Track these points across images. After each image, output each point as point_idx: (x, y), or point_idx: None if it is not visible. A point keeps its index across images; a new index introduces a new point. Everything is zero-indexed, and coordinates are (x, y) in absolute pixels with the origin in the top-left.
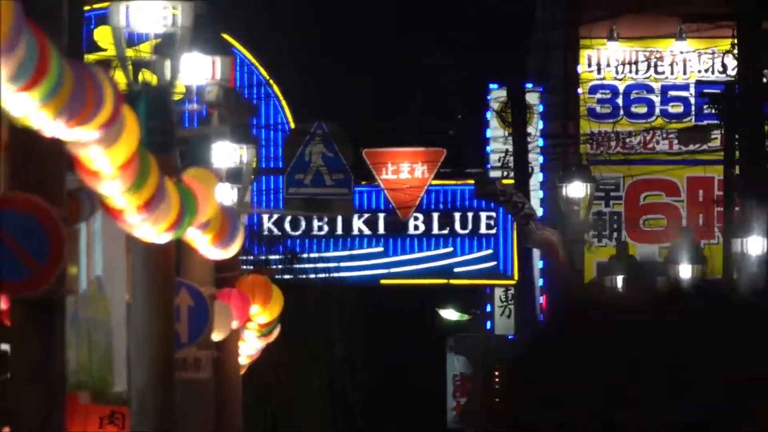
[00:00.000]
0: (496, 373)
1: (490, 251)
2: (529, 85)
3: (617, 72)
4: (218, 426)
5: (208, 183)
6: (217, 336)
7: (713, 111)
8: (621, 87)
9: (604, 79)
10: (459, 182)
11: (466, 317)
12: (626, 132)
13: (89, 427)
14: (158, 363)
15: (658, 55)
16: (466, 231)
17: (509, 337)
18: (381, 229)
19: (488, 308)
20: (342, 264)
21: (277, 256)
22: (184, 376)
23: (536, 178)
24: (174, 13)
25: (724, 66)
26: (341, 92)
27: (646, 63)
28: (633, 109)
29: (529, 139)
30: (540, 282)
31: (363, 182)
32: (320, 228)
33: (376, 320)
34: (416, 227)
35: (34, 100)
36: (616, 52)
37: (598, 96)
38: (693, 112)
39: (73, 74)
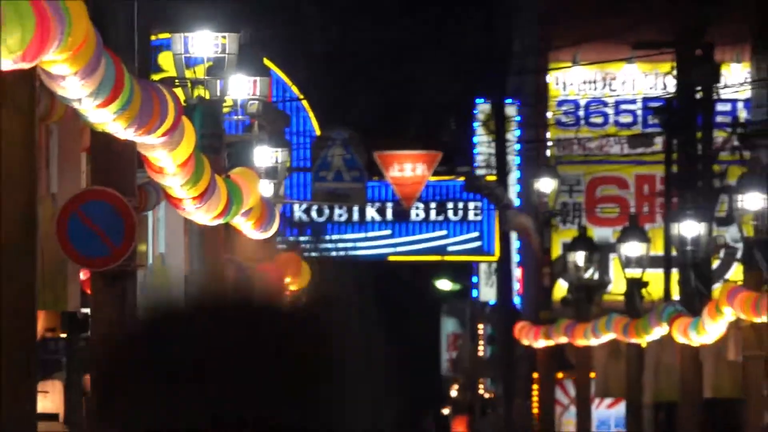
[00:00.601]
0: (480, 329)
1: (476, 234)
2: (509, 101)
3: (579, 89)
4: None
5: (251, 179)
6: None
7: (656, 121)
8: (582, 101)
9: (568, 95)
10: (452, 178)
11: (457, 286)
12: (586, 138)
13: None
14: None
15: (612, 76)
16: (457, 218)
17: (490, 303)
18: (389, 216)
19: (474, 279)
20: (358, 244)
21: (305, 238)
22: None
23: (514, 175)
24: (223, 42)
25: (665, 84)
26: (357, 105)
27: (602, 82)
28: (591, 120)
29: (507, 144)
30: (517, 258)
31: (375, 178)
32: (340, 215)
33: (383, 291)
34: (417, 214)
35: (110, 113)
36: (578, 74)
37: (564, 108)
38: (640, 122)
39: (142, 92)
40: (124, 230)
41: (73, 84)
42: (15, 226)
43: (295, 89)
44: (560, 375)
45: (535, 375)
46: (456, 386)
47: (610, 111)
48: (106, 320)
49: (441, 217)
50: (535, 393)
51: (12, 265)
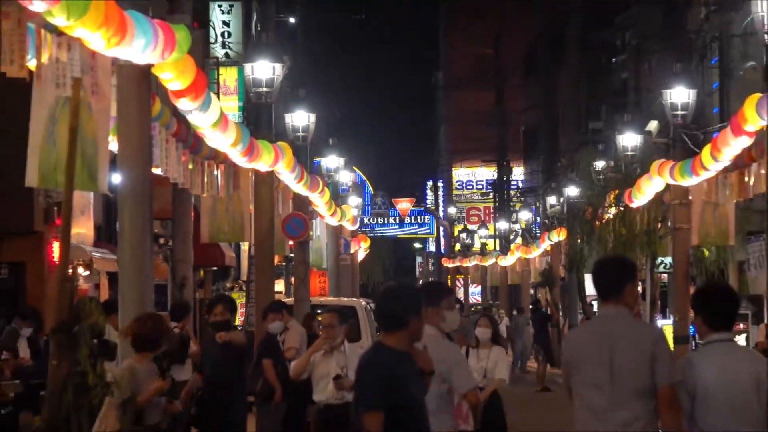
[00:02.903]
0: (430, 261)
1: (428, 228)
2: (439, 181)
3: (463, 177)
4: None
5: (349, 208)
6: (351, 250)
7: (491, 188)
8: (464, 181)
9: (460, 179)
10: (419, 207)
11: (421, 246)
12: (466, 194)
13: (318, 278)
14: (335, 258)
15: (475, 172)
16: (421, 221)
17: (434, 251)
18: (397, 221)
19: (428, 243)
20: (386, 231)
21: (367, 229)
22: (342, 263)
23: (440, 207)
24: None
25: (494, 175)
26: (386, 183)
27: (472, 174)
28: (467, 188)
29: (439, 195)
30: (443, 235)
31: (392, 208)
32: (381, 220)
33: (396, 249)
34: (407, 221)
35: (301, 185)
36: (463, 171)
37: (457, 185)
38: (485, 188)
39: (311, 178)
40: (305, 226)
41: (287, 176)
42: (266, 226)
43: (363, 175)
44: (458, 276)
45: (449, 276)
46: (420, 281)
47: (474, 185)
48: (300, 257)
49: (415, 221)
50: (449, 282)
51: (265, 240)
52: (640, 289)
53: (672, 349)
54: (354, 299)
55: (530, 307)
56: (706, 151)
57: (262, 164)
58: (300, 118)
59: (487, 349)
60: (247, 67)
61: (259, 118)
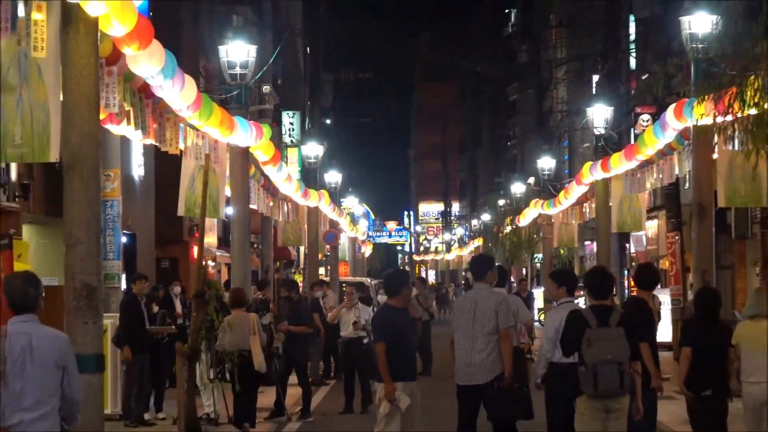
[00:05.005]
0: (406, 257)
1: (405, 237)
2: (411, 212)
3: (424, 208)
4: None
5: (360, 227)
6: (362, 251)
7: (440, 216)
8: (425, 211)
9: (424, 210)
10: (400, 226)
11: (401, 247)
12: (427, 220)
13: (343, 266)
14: (353, 254)
15: (431, 206)
16: (401, 234)
17: (408, 251)
18: (388, 234)
19: (405, 246)
20: (382, 240)
21: (370, 239)
22: (357, 258)
23: (413, 226)
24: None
25: (444, 209)
26: (382, 212)
27: (431, 207)
28: (427, 215)
29: (410, 220)
30: (413, 242)
31: (385, 226)
32: (378, 233)
33: (387, 250)
34: (393, 233)
35: (329, 209)
36: (424, 206)
37: (422, 213)
38: (436, 215)
39: (339, 212)
40: (336, 237)
41: (326, 209)
42: (314, 237)
43: (369, 209)
44: (422, 265)
45: (417, 265)
46: (401, 267)
47: (430, 213)
48: (333, 254)
49: (398, 234)
50: (417, 270)
51: (313, 244)
52: (524, 272)
53: (540, 307)
54: (364, 278)
55: (463, 283)
56: (561, 194)
57: (311, 202)
58: (333, 177)
59: None
60: (303, 148)
61: (310, 177)
